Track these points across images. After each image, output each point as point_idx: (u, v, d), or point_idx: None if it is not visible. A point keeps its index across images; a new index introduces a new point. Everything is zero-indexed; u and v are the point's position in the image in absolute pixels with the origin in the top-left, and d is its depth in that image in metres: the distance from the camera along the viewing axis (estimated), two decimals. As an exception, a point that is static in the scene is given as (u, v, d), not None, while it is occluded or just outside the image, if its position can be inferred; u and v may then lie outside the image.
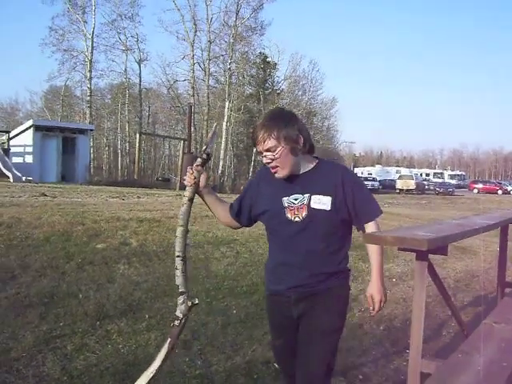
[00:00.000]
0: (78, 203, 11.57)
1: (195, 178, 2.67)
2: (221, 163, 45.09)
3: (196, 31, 46.80)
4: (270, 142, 2.64)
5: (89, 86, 44.29)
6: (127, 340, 4.56)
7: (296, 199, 2.72)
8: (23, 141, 30.50)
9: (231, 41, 46.01)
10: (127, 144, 56.61)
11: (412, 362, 3.08)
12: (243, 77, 50.92)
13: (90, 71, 44.07)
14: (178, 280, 2.58)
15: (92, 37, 43.84)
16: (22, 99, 73.77)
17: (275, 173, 2.72)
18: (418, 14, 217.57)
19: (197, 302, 2.60)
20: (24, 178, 24.99)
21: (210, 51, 46.69)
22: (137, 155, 36.68)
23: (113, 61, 50.09)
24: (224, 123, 45.05)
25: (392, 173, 72.24)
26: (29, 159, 30.04)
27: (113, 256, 6.62)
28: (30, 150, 30.12)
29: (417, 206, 31.06)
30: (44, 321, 4.71)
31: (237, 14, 46.09)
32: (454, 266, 9.05)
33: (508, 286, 5.72)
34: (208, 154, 2.70)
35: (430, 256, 3.11)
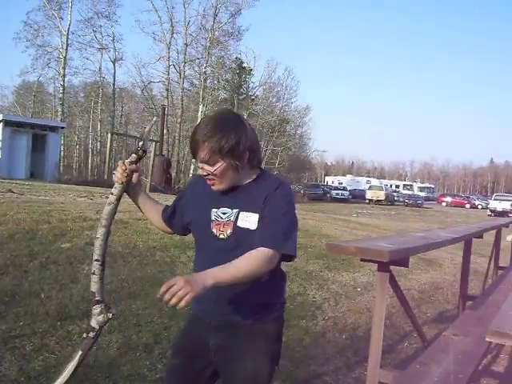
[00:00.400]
0: (45, 201, 11.45)
1: (127, 176, 2.35)
2: (192, 167, 45.00)
3: (173, 33, 46.87)
4: (209, 155, 2.20)
5: (62, 83, 43.88)
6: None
7: (224, 213, 2.31)
8: (-7, 136, 30.04)
9: (208, 44, 46.08)
10: (98, 143, 56.21)
11: (371, 371, 3.11)
12: (218, 81, 51.00)
13: (64, 68, 43.65)
14: (94, 287, 2.27)
15: (67, 34, 43.44)
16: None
17: (212, 185, 2.31)
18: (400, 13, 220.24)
19: (114, 312, 2.30)
20: (-9, 174, 24.61)
21: (186, 54, 46.70)
22: (107, 155, 36.28)
23: (87, 59, 49.62)
24: (197, 127, 44.96)
25: (362, 183, 73.02)
26: (-3, 154, 29.60)
27: (78, 256, 6.55)
28: (-1, 145, 29.69)
29: (386, 216, 31.41)
30: (3, 320, 4.62)
31: (214, 18, 46.30)
32: (419, 277, 9.15)
33: (469, 298, 5.82)
34: (144, 151, 2.38)
35: (394, 268, 3.15)
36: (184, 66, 47.01)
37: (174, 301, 1.87)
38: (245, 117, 2.55)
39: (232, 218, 2.27)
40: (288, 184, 2.38)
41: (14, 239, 6.77)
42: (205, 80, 47.32)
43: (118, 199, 2.33)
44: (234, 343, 2.30)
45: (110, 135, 36.33)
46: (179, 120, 46.40)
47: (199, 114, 45.16)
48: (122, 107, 57.69)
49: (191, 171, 44.87)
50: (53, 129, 32.58)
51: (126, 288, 5.85)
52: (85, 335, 2.26)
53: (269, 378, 2.32)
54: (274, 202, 2.23)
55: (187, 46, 46.43)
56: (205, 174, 2.26)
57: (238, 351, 2.29)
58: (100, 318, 2.24)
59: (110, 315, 2.27)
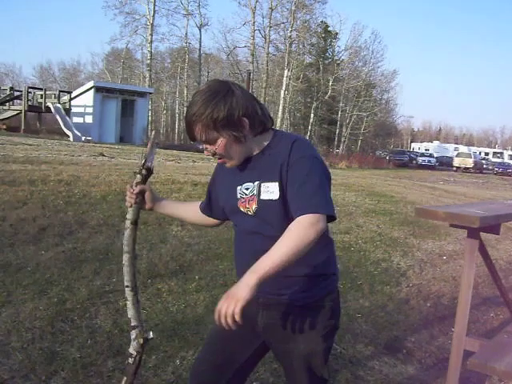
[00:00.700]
0: (134, 164, 11.80)
1: (136, 198, 2.28)
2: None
3: (258, -3, 46.51)
4: (205, 134, 2.06)
5: (149, 49, 44.79)
6: (177, 299, 4.67)
7: (247, 189, 2.16)
8: (84, 101, 31.18)
9: (293, 8, 45.60)
10: (185, 108, 56.98)
11: (456, 339, 3.08)
12: (303, 45, 50.58)
13: (151, 35, 44.53)
14: (130, 312, 2.22)
15: (154, 1, 44.10)
16: (84, 60, 75.12)
17: (224, 163, 2.19)
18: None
19: (151, 336, 2.24)
20: (83, 138, 25.60)
21: (271, 18, 46.51)
22: (194, 120, 36.87)
23: (174, 25, 50.93)
24: (282, 91, 44.93)
25: (450, 150, 70.73)
26: (89, 119, 30.75)
27: (166, 217, 6.74)
28: (90, 110, 30.82)
29: (474, 184, 30.43)
30: (98, 276, 4.88)
31: (300, -19, 45.55)
32: (508, 247, 8.87)
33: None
34: (149, 169, 2.29)
35: (483, 235, 3.09)
36: (269, 30, 46.88)
37: (229, 321, 1.81)
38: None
39: (255, 192, 2.13)
40: (302, 140, 2.17)
41: (107, 200, 7.06)
42: (290, 44, 47.00)
43: (134, 222, 2.28)
44: (283, 322, 2.18)
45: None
46: (264, 85, 46.42)
47: (284, 78, 45.00)
48: (208, 72, 58.11)
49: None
50: (141, 94, 33.43)
51: (214, 249, 6.01)
52: (126, 362, 2.25)
53: (324, 355, 2.24)
54: (293, 167, 2.05)
55: (272, 10, 46.20)
56: (211, 154, 2.14)
57: (288, 331, 2.18)
58: (135, 343, 2.20)
59: (143, 339, 2.21)
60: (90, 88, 31.18)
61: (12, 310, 4.06)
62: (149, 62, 45.14)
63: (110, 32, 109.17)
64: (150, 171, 2.30)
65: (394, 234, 8.16)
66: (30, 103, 30.04)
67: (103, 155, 13.76)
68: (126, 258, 2.26)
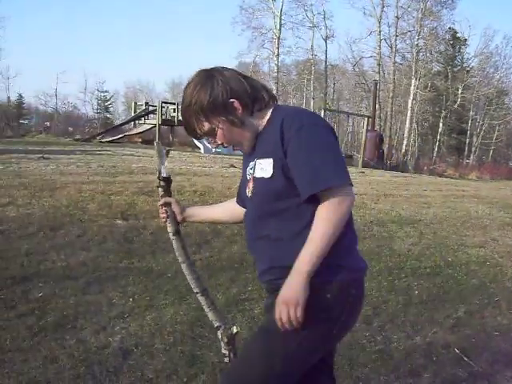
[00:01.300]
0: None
1: (166, 212, 2.30)
2: (404, 142, 44.21)
3: (383, 6, 45.92)
4: (202, 126, 2.02)
5: (276, 62, 45.59)
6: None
7: (251, 168, 2.07)
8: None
9: (420, 16, 44.52)
10: (311, 120, 57.20)
11: None
12: (431, 53, 49.19)
13: (278, 48, 45.22)
14: (209, 315, 2.28)
15: (280, 14, 44.90)
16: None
17: (239, 150, 2.14)
18: None
19: (235, 330, 2.23)
20: (213, 150, 26.33)
21: (397, 27, 45.59)
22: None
23: (300, 38, 51.17)
24: (409, 101, 44.00)
25: None
26: (218, 132, 31.54)
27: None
28: (219, 123, 31.59)
29: None
30: (234, 284, 5.03)
31: (426, -12, 44.44)
32: None
33: None
34: (166, 179, 2.28)
35: None
36: (395, 39, 46.02)
37: (294, 324, 1.81)
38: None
39: (252, 171, 2.04)
40: (294, 112, 2.01)
41: (242, 211, 7.24)
42: (417, 53, 45.90)
43: (176, 233, 2.30)
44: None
45: (322, 111, 36.91)
46: (391, 95, 45.59)
47: (412, 88, 44.11)
48: (334, 84, 58.03)
49: (404, 146, 44.00)
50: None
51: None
52: (224, 361, 2.29)
53: (289, 344, 1.94)
54: (290, 145, 1.88)
55: (398, 18, 45.28)
56: (219, 144, 2.09)
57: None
58: (222, 343, 2.23)
59: (228, 335, 2.22)
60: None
61: (155, 313, 4.28)
62: (275, 74, 45.91)
63: (237, 47, 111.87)
64: (168, 180, 2.30)
65: None
66: (163, 117, 31.39)
67: (234, 166, 14.12)
68: (183, 267, 2.29)
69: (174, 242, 2.31)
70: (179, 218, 2.35)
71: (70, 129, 34.30)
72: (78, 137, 31.00)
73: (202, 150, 25.91)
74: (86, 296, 4.54)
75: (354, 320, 2.12)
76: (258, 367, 1.98)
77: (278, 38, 45.09)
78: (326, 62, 51.61)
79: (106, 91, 64.85)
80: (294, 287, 1.79)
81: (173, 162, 14.11)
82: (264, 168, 1.95)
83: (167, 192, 2.31)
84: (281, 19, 45.09)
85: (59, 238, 5.93)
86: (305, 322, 1.85)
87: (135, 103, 36.24)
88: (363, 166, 25.38)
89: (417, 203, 11.20)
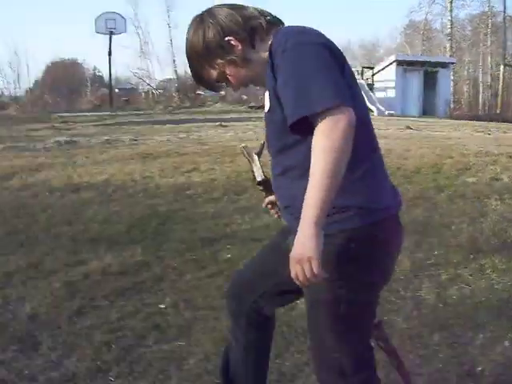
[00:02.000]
0: (442, 136, 11.57)
1: (273, 209, 2.24)
2: None
3: None
4: (208, 74, 1.88)
5: (449, 18, 43.20)
6: (501, 276, 4.41)
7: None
8: (385, 76, 31.42)
9: None
10: (489, 77, 53.90)
11: None
12: None
13: (451, 2, 42.78)
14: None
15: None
16: (382, 36, 75.66)
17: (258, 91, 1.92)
18: None
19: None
20: (387, 112, 25.85)
21: None
22: (500, 88, 34.78)
23: (474, -11, 47.63)
24: None
25: None
26: (391, 94, 30.92)
27: (484, 190, 6.48)
28: (391, 84, 30.95)
29: None
30: (419, 248, 4.86)
31: None
32: None
33: None
34: (263, 181, 2.20)
35: None
36: None
37: (312, 280, 1.54)
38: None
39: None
40: (282, 32, 1.74)
41: (420, 173, 7.03)
42: None
43: None
44: None
45: (502, 67, 34.67)
46: None
47: None
48: (515, 37, 54.02)
49: None
50: (443, 65, 32.57)
51: None
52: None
53: (334, 312, 1.78)
54: (278, 66, 1.66)
55: None
56: (237, 89, 1.95)
57: None
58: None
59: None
60: (392, 62, 31.25)
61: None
62: (449, 31, 43.53)
63: (408, 4, 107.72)
64: (264, 182, 2.21)
65: None
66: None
67: (410, 128, 13.74)
68: None
69: None
70: None
71: (244, 97, 35.36)
72: (252, 104, 31.80)
73: (375, 113, 25.50)
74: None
75: (390, 265, 1.91)
76: (329, 339, 1.84)
77: (452, -9, 42.69)
78: (504, 12, 47.95)
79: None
80: (303, 241, 1.53)
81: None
82: (266, 101, 1.79)
83: (269, 191, 2.19)
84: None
85: (243, 202, 6.15)
86: (335, 282, 1.69)
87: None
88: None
89: None
